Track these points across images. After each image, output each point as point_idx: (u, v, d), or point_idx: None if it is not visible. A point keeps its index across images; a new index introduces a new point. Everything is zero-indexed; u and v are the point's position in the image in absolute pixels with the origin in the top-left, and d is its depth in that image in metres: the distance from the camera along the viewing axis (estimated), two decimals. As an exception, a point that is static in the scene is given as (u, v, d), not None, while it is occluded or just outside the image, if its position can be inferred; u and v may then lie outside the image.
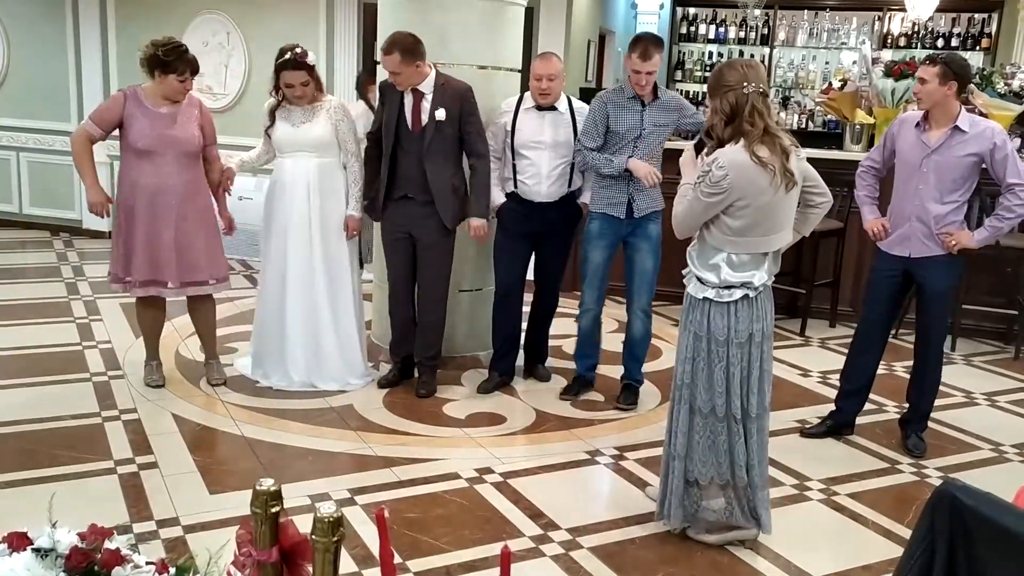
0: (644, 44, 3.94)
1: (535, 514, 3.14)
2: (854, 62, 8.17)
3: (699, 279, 2.85)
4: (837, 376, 4.88)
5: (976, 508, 1.29)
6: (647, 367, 4.52)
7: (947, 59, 3.61)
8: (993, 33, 8.41)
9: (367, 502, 3.15)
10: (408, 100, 4.03)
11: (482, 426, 3.95)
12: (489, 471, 3.47)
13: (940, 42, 8.56)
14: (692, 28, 9.42)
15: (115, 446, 3.53)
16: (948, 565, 1.34)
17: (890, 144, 3.80)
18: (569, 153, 4.21)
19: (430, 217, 4.09)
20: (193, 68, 3.96)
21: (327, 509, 0.90)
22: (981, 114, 6.27)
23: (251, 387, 4.25)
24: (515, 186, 4.25)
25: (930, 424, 4.11)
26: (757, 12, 8.79)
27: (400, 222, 4.15)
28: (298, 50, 4.02)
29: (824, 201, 2.95)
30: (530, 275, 4.48)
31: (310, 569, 0.96)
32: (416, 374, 4.38)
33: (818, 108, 8.44)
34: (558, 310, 4.73)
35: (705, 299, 2.82)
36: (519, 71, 4.82)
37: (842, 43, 8.92)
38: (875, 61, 6.16)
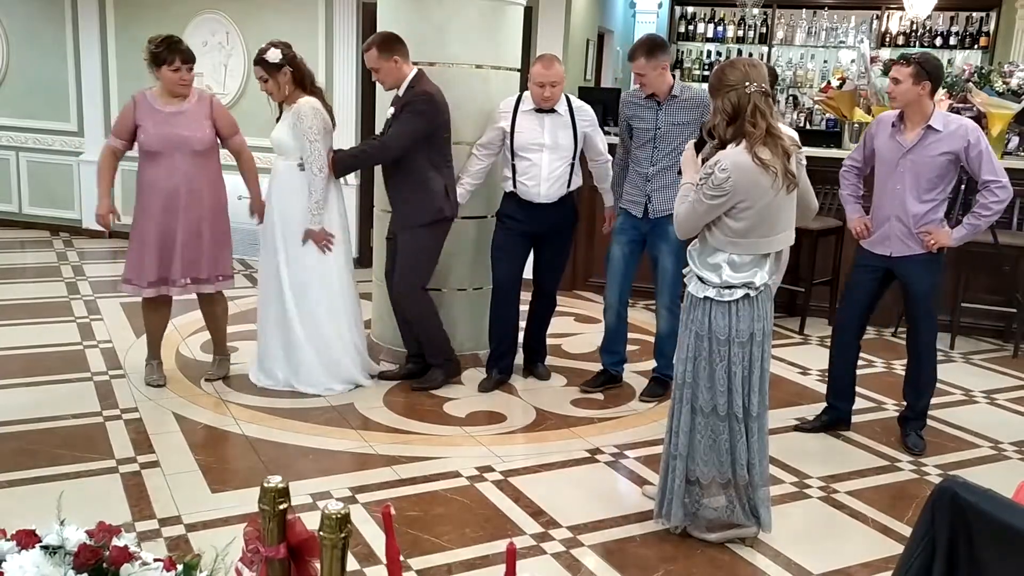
0: (633, 48, 4.13)
1: (536, 512, 3.15)
2: (852, 61, 8.18)
3: (700, 278, 2.84)
4: (836, 374, 4.92)
5: (977, 505, 1.29)
6: (648, 365, 4.54)
7: (920, 59, 3.63)
8: (991, 32, 8.42)
9: (368, 500, 3.15)
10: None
11: (482, 424, 3.95)
12: (490, 469, 3.48)
13: (938, 40, 8.57)
14: (691, 27, 9.43)
15: (116, 445, 3.54)
16: (948, 562, 1.34)
17: (869, 144, 3.84)
18: (569, 155, 4.23)
19: (394, 213, 4.27)
20: (184, 57, 3.93)
21: (335, 506, 0.91)
22: (975, 118, 6.31)
23: (252, 386, 4.26)
24: (514, 186, 4.26)
25: (929, 422, 4.12)
26: (755, 11, 8.80)
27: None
28: (263, 46, 4.04)
29: (807, 215, 3.01)
30: (529, 275, 4.49)
31: (317, 566, 0.97)
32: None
33: (817, 107, 8.46)
34: (558, 309, 4.74)
35: (706, 298, 2.81)
36: (518, 70, 4.83)
37: (840, 42, 8.93)
38: (873, 60, 6.17)
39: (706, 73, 9.25)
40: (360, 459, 3.55)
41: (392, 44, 4.05)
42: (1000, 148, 5.77)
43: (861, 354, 5.26)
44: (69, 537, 1.09)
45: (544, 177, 4.21)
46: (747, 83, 2.69)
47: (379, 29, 4.70)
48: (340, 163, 4.12)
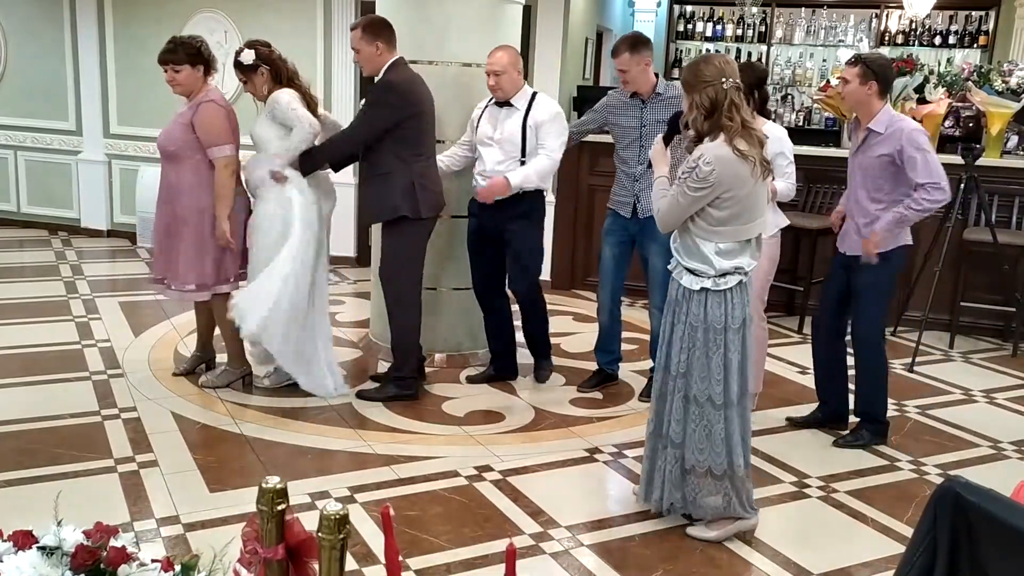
0: (617, 43, 4.10)
1: (535, 512, 3.14)
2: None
3: (691, 271, 2.89)
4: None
5: (979, 505, 1.29)
6: (645, 364, 4.53)
7: (867, 59, 3.66)
8: (990, 30, 8.42)
9: (367, 500, 3.15)
10: None
11: (481, 424, 3.95)
12: (488, 469, 3.48)
13: (937, 39, 8.57)
14: (689, 26, 9.42)
15: (115, 445, 3.53)
16: (950, 562, 1.34)
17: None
18: (516, 151, 4.14)
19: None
20: (164, 59, 3.93)
21: (333, 507, 0.90)
22: (975, 117, 6.32)
23: (250, 386, 4.24)
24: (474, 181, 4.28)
25: (929, 421, 4.13)
26: (754, 9, 8.79)
27: None
28: (239, 47, 4.02)
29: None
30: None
31: (316, 567, 0.97)
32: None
33: (815, 105, 8.45)
34: (556, 308, 4.73)
35: (703, 289, 2.86)
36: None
37: (839, 41, 8.91)
38: (873, 59, 6.15)
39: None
40: (358, 459, 3.54)
41: (378, 29, 3.96)
42: (999, 147, 5.77)
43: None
44: (66, 538, 1.08)
45: (488, 173, 4.14)
46: (723, 79, 2.78)
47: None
48: (303, 161, 3.98)
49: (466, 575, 2.73)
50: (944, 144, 6.15)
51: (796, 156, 4.06)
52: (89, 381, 4.25)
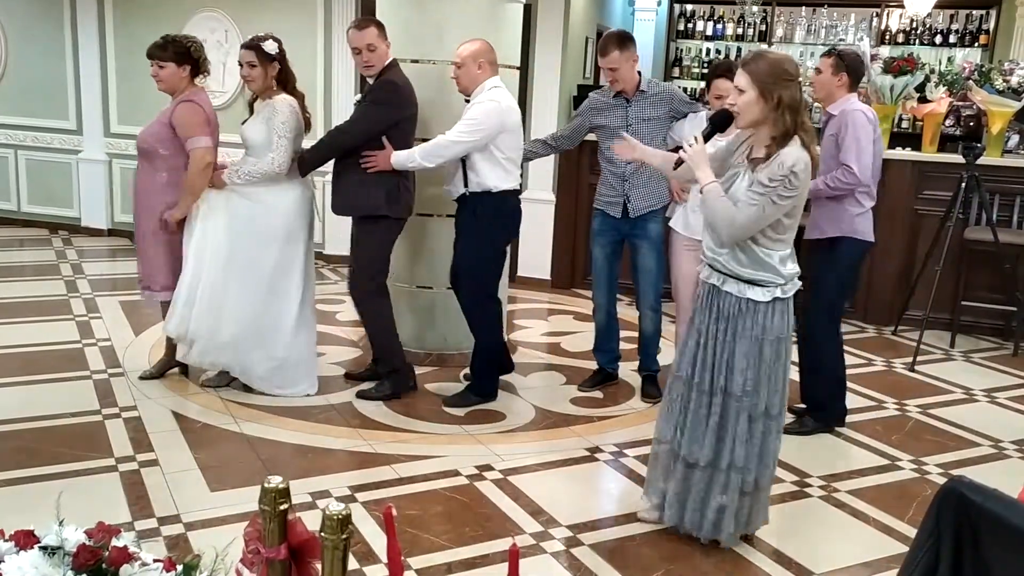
0: (603, 41, 4.05)
1: (536, 511, 3.14)
2: (852, 59, 8.17)
3: (755, 282, 2.70)
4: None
5: (983, 505, 1.29)
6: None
7: (841, 52, 3.87)
8: (991, 29, 8.41)
9: (368, 499, 3.15)
10: None
11: (481, 423, 3.95)
12: (489, 468, 3.47)
13: (938, 38, 8.56)
14: (689, 25, 9.41)
15: (116, 444, 3.53)
16: (954, 562, 1.34)
17: None
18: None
19: (334, 198, 4.12)
20: (151, 54, 3.93)
21: (336, 507, 0.90)
22: (975, 116, 6.31)
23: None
24: None
25: (930, 421, 4.12)
26: (755, 8, 8.78)
27: None
28: (260, 35, 3.97)
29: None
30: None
31: (318, 567, 0.97)
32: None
33: (816, 104, 8.43)
34: (556, 307, 4.73)
35: (774, 299, 2.70)
36: (518, 68, 4.82)
37: (840, 39, 8.90)
38: (873, 58, 6.15)
39: (704, 71, 9.22)
40: (359, 458, 3.54)
41: (383, 28, 3.99)
42: (999, 146, 5.77)
43: (861, 352, 5.29)
44: (68, 537, 1.08)
45: (448, 172, 4.08)
46: (801, 79, 2.67)
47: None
48: (303, 163, 3.99)
49: (467, 574, 2.72)
50: (945, 143, 6.15)
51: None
52: (90, 380, 4.24)
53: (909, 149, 6.08)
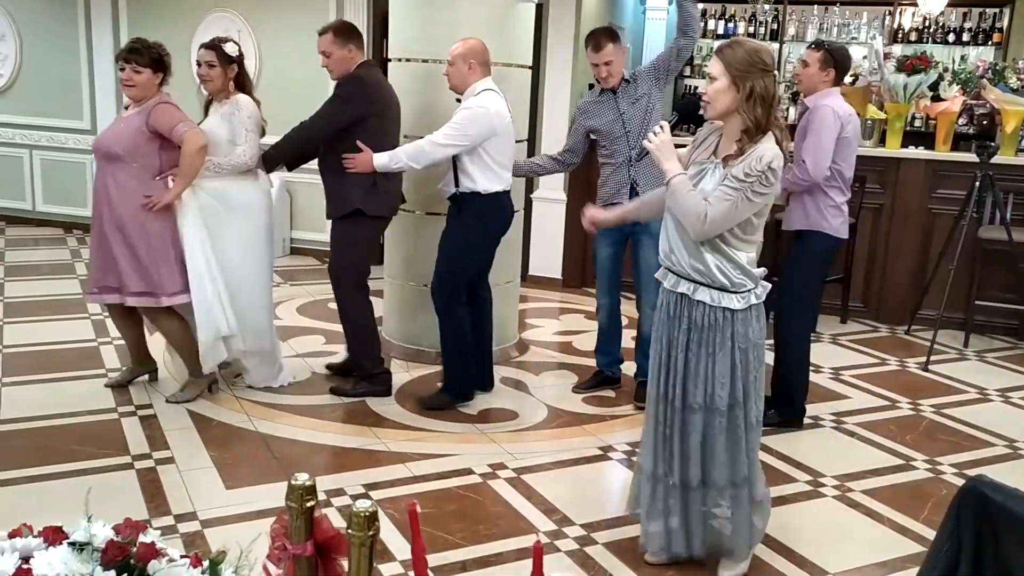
0: (596, 37, 4.05)
1: (549, 510, 3.15)
2: (864, 57, 8.14)
3: (729, 289, 2.53)
4: (850, 372, 4.91)
5: (1005, 504, 1.28)
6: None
7: (830, 47, 3.90)
8: (1005, 28, 8.36)
9: (382, 497, 3.16)
10: None
11: (495, 422, 3.96)
12: (502, 467, 3.48)
13: (951, 37, 8.51)
14: (701, 24, 9.40)
15: (132, 442, 3.56)
16: (974, 562, 1.34)
17: None
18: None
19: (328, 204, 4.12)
20: (125, 56, 3.78)
21: (363, 504, 0.91)
22: (989, 115, 6.28)
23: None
24: None
25: (944, 420, 4.11)
26: (767, 7, 8.75)
27: None
28: (221, 36, 4.04)
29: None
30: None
31: (344, 564, 0.98)
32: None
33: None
34: (568, 306, 4.73)
35: (750, 307, 2.54)
36: (530, 67, 4.82)
37: (852, 38, 8.86)
38: (887, 56, 6.14)
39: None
40: (373, 456, 3.55)
41: (350, 33, 4.04)
42: (1014, 145, 5.74)
43: (873, 352, 5.29)
44: (96, 533, 1.09)
45: (441, 171, 4.10)
46: (776, 71, 2.50)
47: (391, 28, 4.72)
48: (268, 158, 4.04)
49: (482, 572, 2.74)
50: (958, 142, 6.12)
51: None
52: (106, 378, 4.27)
53: (922, 148, 6.06)
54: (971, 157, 5.32)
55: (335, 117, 3.94)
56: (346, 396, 4.14)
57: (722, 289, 2.52)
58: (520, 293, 5.26)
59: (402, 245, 4.75)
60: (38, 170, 8.03)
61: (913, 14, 8.59)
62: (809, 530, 3.09)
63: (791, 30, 9.13)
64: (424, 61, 4.36)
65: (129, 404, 3.95)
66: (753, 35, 9.23)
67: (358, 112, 3.92)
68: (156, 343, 4.34)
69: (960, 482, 3.49)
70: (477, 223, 4.03)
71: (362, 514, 0.90)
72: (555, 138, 6.12)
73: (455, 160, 3.95)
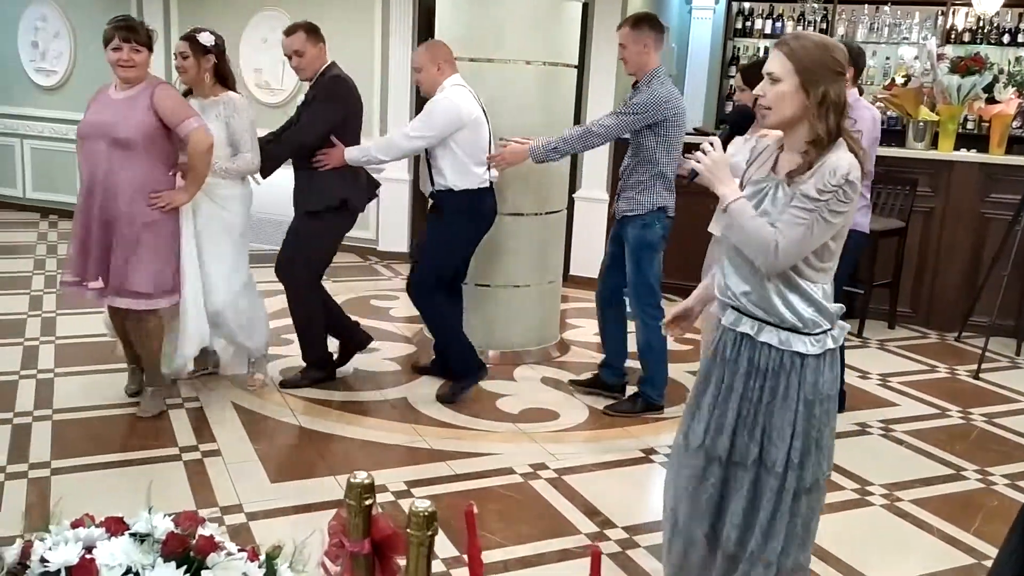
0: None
1: (591, 511, 3.14)
2: (915, 57, 7.98)
3: (801, 331, 2.12)
4: (898, 379, 4.82)
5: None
6: (695, 365, 4.47)
7: (847, 44, 3.85)
8: (1062, 28, 8.15)
9: (423, 495, 3.17)
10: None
11: (535, 421, 3.95)
12: (543, 467, 3.48)
13: (1006, 37, 8.30)
14: (747, 23, 9.28)
15: (179, 433, 3.62)
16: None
17: None
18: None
19: (295, 197, 4.10)
20: (125, 35, 3.48)
21: (422, 504, 0.91)
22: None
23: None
24: None
25: (996, 430, 4.01)
26: (816, 6, 8.62)
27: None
28: (199, 27, 3.94)
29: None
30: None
31: (400, 562, 0.98)
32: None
33: (879, 104, 8.26)
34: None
35: (825, 352, 2.14)
36: (575, 67, 4.81)
37: (903, 38, 8.70)
38: (940, 57, 6.01)
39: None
40: (414, 453, 3.57)
41: (319, 32, 4.05)
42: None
43: (922, 359, 5.19)
44: (157, 525, 1.11)
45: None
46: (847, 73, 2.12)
47: (437, 27, 4.73)
48: (267, 162, 3.98)
49: (523, 572, 2.73)
50: (1012, 145, 5.98)
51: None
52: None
53: (975, 151, 5.92)
54: (1027, 160, 5.19)
55: (329, 117, 3.97)
56: (296, 386, 4.15)
57: (792, 330, 2.12)
58: (561, 293, 5.24)
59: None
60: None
61: (967, 14, 8.40)
62: (856, 539, 3.03)
63: (840, 30, 8.98)
64: (472, 60, 4.37)
65: (176, 397, 4.01)
66: (800, 35, 9.08)
67: (344, 112, 4.01)
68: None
69: (1012, 494, 3.43)
70: (455, 220, 4.08)
71: (421, 514, 0.90)
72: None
73: (428, 158, 4.04)
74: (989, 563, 2.30)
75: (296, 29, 4.03)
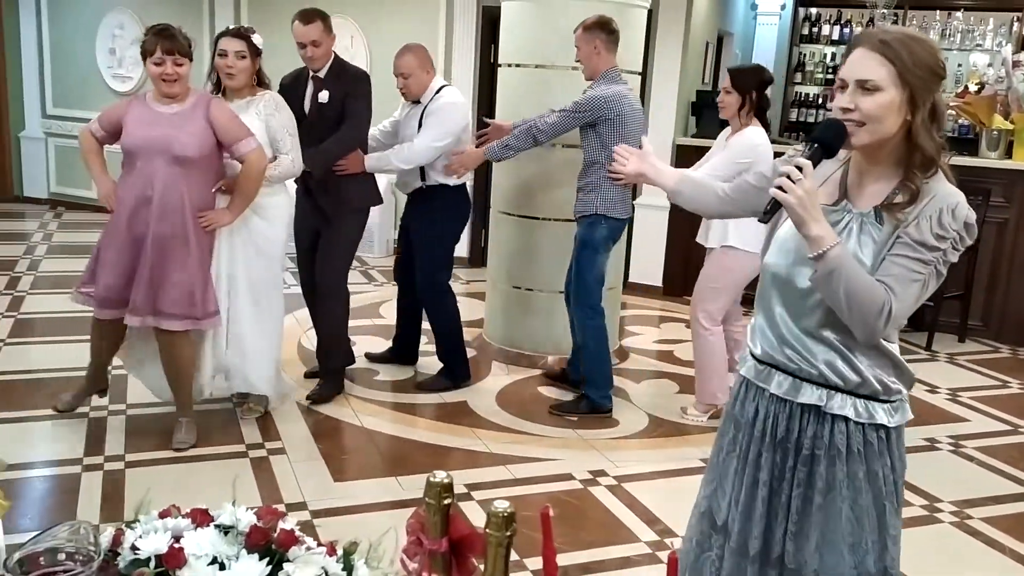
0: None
1: (650, 520, 3.12)
2: (989, 64, 7.75)
3: (882, 398, 1.70)
4: (968, 394, 4.69)
5: None
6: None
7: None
8: None
9: (483, 498, 3.20)
10: (309, 89, 3.97)
11: (595, 428, 3.95)
12: (603, 474, 3.47)
13: (1086, 43, 8.03)
14: (815, 29, 9.14)
15: (246, 431, 3.71)
16: None
17: None
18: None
19: (329, 196, 3.96)
20: (168, 47, 3.27)
21: (501, 504, 0.93)
22: None
23: (370, 379, 4.38)
24: None
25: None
26: (885, 11, 8.44)
27: (303, 218, 4.04)
28: (244, 26, 3.80)
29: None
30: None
31: (475, 563, 1.00)
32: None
33: (951, 111, 8.04)
34: (667, 315, 4.67)
35: (905, 423, 1.74)
36: (639, 73, 4.80)
37: (976, 45, 8.47)
38: (1016, 64, 5.84)
39: (830, 77, 8.91)
40: (474, 456, 3.60)
41: (331, 24, 3.95)
42: None
43: (994, 373, 5.03)
44: (240, 518, 1.15)
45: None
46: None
47: (502, 33, 4.77)
48: (318, 162, 3.84)
49: (583, 579, 2.74)
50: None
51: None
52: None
53: (1053, 160, 5.73)
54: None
55: (368, 116, 4.05)
56: (324, 401, 4.04)
57: (870, 397, 1.70)
58: (621, 300, 5.23)
59: (507, 249, 4.79)
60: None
61: (1044, 19, 8.14)
62: (925, 556, 2.96)
63: (910, 35, 8.75)
64: (537, 67, 4.39)
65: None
66: (869, 41, 8.91)
67: (371, 106, 4.06)
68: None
69: (1090, 515, 3.31)
70: (447, 214, 4.21)
71: (500, 515, 0.92)
72: (659, 143, 6.06)
73: None
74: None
75: (314, 17, 3.86)
